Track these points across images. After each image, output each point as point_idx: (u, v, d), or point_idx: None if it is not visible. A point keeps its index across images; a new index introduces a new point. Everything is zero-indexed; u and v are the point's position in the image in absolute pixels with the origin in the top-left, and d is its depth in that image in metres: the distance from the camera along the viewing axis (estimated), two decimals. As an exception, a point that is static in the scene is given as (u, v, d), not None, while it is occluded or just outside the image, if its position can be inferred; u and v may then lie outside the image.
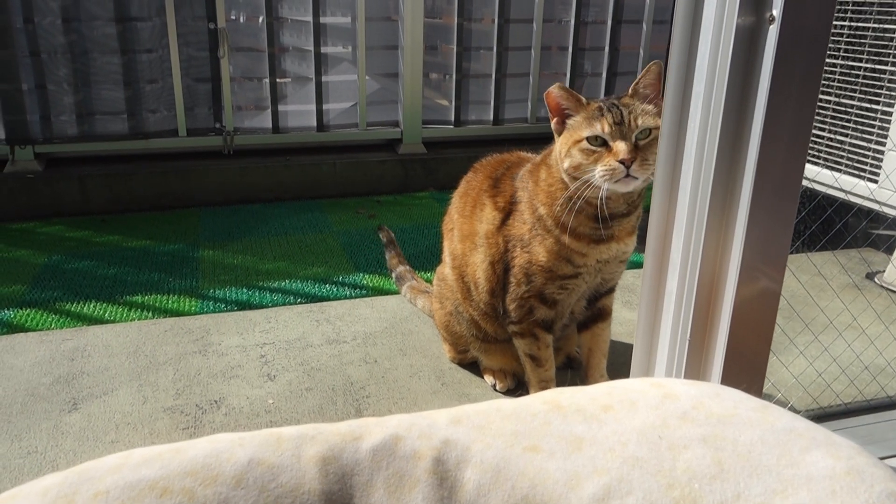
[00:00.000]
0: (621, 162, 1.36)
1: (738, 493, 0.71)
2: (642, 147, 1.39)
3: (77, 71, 3.00)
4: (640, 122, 1.38)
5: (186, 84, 3.17)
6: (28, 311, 2.12)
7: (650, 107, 1.41)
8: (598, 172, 1.39)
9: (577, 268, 1.51)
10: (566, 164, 1.44)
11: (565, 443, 0.78)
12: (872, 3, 2.41)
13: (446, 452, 0.76)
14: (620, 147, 1.37)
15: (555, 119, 1.48)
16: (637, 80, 1.43)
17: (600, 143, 1.40)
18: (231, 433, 0.76)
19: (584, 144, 1.41)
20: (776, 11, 0.93)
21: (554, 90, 1.44)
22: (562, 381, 1.76)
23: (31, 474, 1.44)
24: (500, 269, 1.60)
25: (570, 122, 1.45)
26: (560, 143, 1.46)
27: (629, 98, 1.43)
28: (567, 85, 3.67)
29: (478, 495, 0.74)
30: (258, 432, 0.76)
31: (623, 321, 2.07)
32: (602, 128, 1.39)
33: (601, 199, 1.42)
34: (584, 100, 1.44)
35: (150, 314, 2.13)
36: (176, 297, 2.24)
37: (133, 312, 2.13)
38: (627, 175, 1.37)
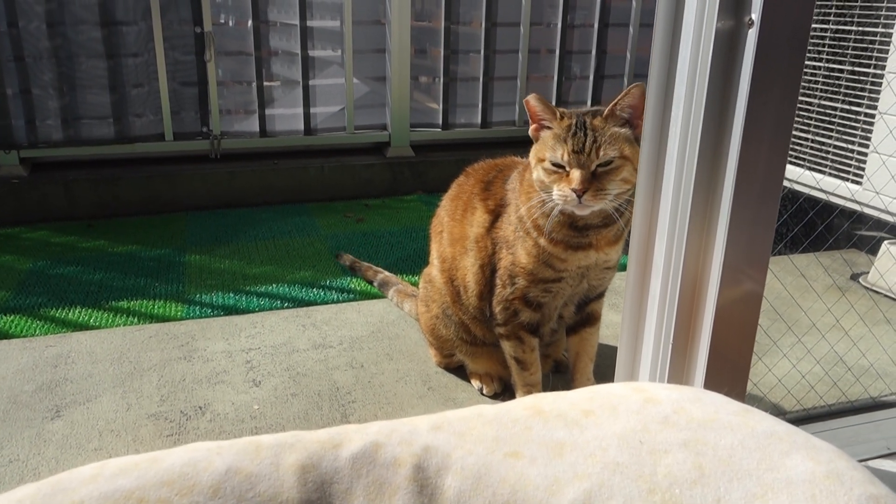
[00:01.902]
0: (573, 190, 1.37)
1: (719, 497, 0.71)
2: (601, 175, 1.39)
3: (62, 75, 2.98)
4: (601, 153, 1.38)
5: (173, 88, 3.16)
6: (11, 317, 2.10)
7: (623, 131, 1.40)
8: (555, 194, 1.41)
9: (558, 272, 1.51)
10: (534, 176, 1.46)
11: (546, 448, 0.77)
12: (854, 6, 2.43)
13: (427, 459, 0.75)
14: (575, 176, 1.37)
15: (533, 126, 1.48)
16: (615, 102, 1.40)
17: (560, 166, 1.41)
18: (209, 441, 0.76)
19: (546, 164, 1.42)
20: (755, 15, 0.93)
21: (531, 100, 1.45)
22: (548, 385, 1.76)
23: (12, 483, 1.42)
24: (489, 271, 1.60)
25: (543, 133, 1.46)
26: (532, 153, 1.48)
27: (602, 120, 1.41)
28: (555, 88, 3.71)
29: (458, 502, 0.73)
30: (237, 441, 0.75)
31: (610, 324, 2.07)
32: (562, 154, 1.39)
33: (567, 212, 1.43)
34: (558, 113, 1.44)
35: (136, 320, 2.11)
36: (162, 302, 2.22)
37: (118, 318, 2.12)
38: (580, 203, 1.38)
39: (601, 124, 1.40)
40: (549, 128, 1.45)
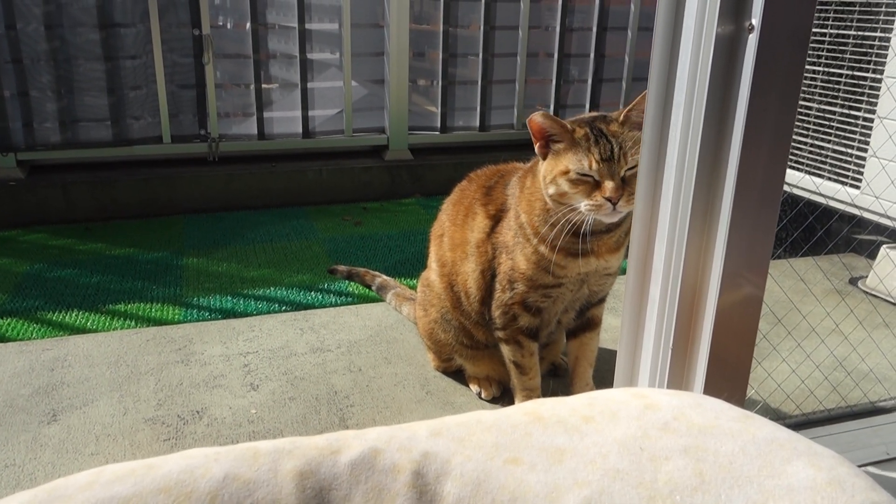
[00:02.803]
0: (608, 199, 1.35)
1: (720, 504, 0.71)
2: (629, 179, 1.37)
3: (60, 77, 2.97)
4: (629, 158, 1.36)
5: (171, 90, 3.15)
6: (8, 320, 2.10)
7: (639, 134, 1.37)
8: (584, 206, 1.38)
9: (557, 279, 1.51)
10: (551, 191, 1.42)
11: (546, 455, 0.77)
12: (853, 11, 2.43)
13: (426, 465, 0.75)
14: (608, 185, 1.36)
15: (538, 143, 1.45)
16: (630, 107, 1.39)
17: (588, 176, 1.38)
18: (207, 448, 0.75)
19: (572, 176, 1.38)
20: (755, 20, 0.93)
21: (538, 118, 1.41)
22: (547, 389, 1.76)
23: (8, 488, 1.42)
24: (490, 276, 1.60)
25: (555, 146, 1.42)
26: (545, 169, 1.44)
27: (619, 126, 1.39)
28: (553, 91, 3.71)
29: (457, 509, 0.73)
30: (234, 447, 0.75)
31: (609, 328, 2.07)
32: (589, 164, 1.37)
33: (586, 223, 1.41)
34: (568, 126, 1.41)
35: (133, 323, 2.10)
36: (159, 305, 2.21)
37: (115, 321, 2.11)
38: (614, 210, 1.37)
39: (620, 130, 1.39)
40: (558, 141, 1.42)
